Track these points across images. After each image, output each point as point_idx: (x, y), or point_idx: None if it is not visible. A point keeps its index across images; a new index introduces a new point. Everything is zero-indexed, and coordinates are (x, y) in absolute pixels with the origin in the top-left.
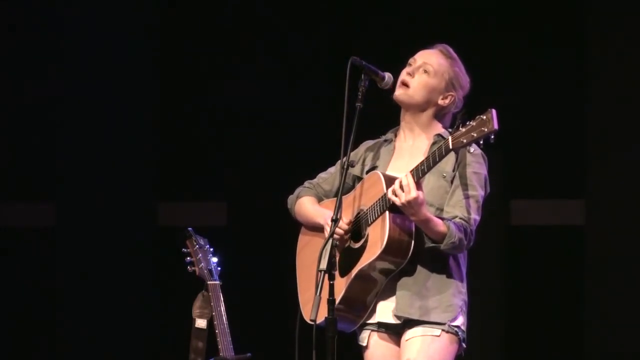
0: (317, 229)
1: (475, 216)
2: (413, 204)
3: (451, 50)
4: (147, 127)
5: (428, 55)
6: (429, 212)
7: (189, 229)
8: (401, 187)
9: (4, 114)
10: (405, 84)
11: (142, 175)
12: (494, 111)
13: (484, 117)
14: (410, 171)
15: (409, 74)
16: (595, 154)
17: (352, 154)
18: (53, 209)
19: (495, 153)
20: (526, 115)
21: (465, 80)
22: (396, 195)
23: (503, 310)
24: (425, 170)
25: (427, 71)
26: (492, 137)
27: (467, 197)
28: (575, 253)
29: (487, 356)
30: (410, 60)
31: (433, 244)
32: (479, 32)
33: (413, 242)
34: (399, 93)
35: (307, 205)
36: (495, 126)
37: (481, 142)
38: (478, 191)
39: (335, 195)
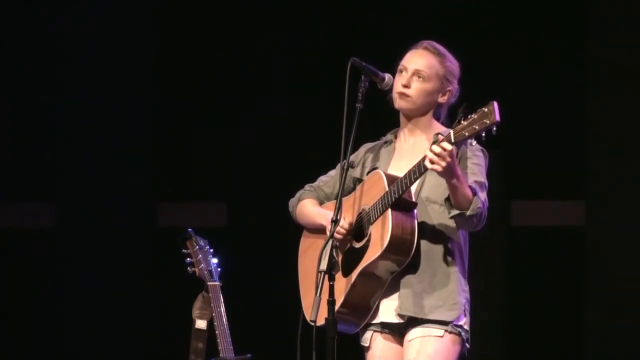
0: (319, 231)
1: (485, 197)
2: (452, 165)
3: (436, 45)
4: (147, 127)
5: (417, 58)
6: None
7: (189, 229)
8: (437, 153)
9: (4, 114)
10: (404, 95)
11: (142, 176)
12: (495, 103)
13: (486, 110)
14: (438, 139)
15: (404, 85)
16: (595, 154)
17: (352, 155)
18: (53, 209)
19: (495, 153)
20: (526, 115)
21: (456, 68)
22: (436, 163)
23: (503, 310)
24: (428, 167)
25: (421, 77)
26: (494, 129)
27: (473, 182)
28: (575, 253)
29: (487, 356)
30: (401, 67)
31: (457, 211)
32: (479, 32)
33: (416, 239)
34: (401, 105)
35: (309, 207)
36: (497, 118)
37: (483, 134)
38: (482, 179)
39: (337, 198)
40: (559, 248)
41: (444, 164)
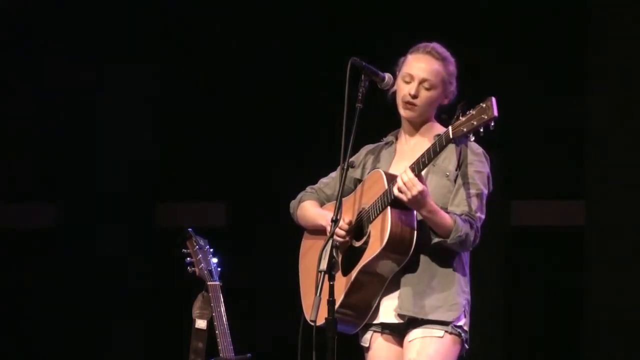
0: (320, 232)
1: (480, 214)
2: (419, 198)
3: (437, 47)
4: (147, 127)
5: (422, 65)
6: (435, 205)
7: (189, 229)
8: (404, 182)
9: (4, 115)
10: (413, 105)
11: (142, 176)
12: (493, 99)
13: (484, 105)
14: (410, 166)
15: (414, 96)
16: (595, 154)
17: (353, 156)
18: (53, 209)
19: (495, 153)
20: (526, 115)
21: (455, 68)
22: (401, 192)
23: (503, 310)
24: (426, 162)
25: (428, 85)
26: (492, 124)
27: (471, 195)
28: (575, 253)
29: (487, 356)
30: (405, 77)
31: (439, 239)
32: (479, 31)
33: (415, 237)
34: (410, 115)
35: (309, 208)
36: (495, 113)
37: (481, 129)
38: (481, 189)
39: (337, 198)
40: (559, 248)
41: (409, 195)
